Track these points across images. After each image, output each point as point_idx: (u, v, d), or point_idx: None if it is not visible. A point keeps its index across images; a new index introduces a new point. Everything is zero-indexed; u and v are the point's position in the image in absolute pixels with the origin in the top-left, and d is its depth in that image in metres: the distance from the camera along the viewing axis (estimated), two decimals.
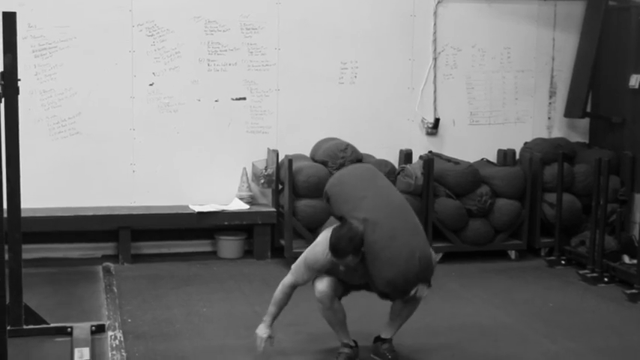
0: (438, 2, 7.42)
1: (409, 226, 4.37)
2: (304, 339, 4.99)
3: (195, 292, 5.98)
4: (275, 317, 4.61)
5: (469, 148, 7.55)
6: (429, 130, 7.51)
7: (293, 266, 4.58)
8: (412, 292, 4.29)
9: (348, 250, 4.20)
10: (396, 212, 4.40)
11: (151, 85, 6.91)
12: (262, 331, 4.59)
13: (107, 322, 5.05)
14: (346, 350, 4.56)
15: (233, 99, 7.10)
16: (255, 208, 6.97)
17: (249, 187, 7.08)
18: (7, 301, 4.48)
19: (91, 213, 6.65)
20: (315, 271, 4.45)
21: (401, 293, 4.34)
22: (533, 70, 7.74)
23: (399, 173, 6.93)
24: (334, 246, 4.23)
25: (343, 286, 4.53)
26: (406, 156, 7.20)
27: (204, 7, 6.95)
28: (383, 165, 6.89)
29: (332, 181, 4.71)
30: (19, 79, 4.62)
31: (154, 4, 6.86)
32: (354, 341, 4.61)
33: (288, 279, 4.56)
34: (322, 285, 4.42)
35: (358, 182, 4.54)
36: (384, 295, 4.42)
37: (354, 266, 4.30)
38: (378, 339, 4.66)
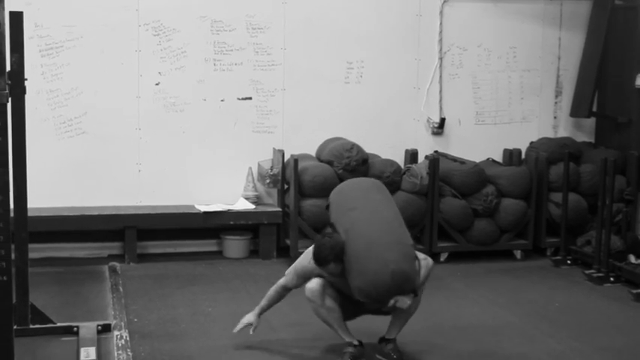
0: (444, 2, 7.42)
1: (390, 239, 4.37)
2: (309, 338, 4.99)
3: (200, 291, 5.99)
4: (264, 310, 4.83)
5: (475, 147, 7.54)
6: (435, 130, 7.50)
7: (287, 270, 4.75)
8: (391, 302, 4.33)
9: (329, 259, 4.33)
10: (380, 226, 4.42)
11: (157, 84, 6.92)
12: (247, 317, 4.82)
13: (113, 322, 5.06)
14: (350, 349, 4.56)
15: (239, 99, 7.10)
16: (261, 208, 6.98)
17: (254, 186, 7.08)
18: (14, 300, 4.51)
19: (97, 212, 6.66)
20: (304, 278, 4.60)
21: (376, 303, 4.41)
22: (539, 69, 7.73)
23: (404, 173, 6.93)
24: (316, 254, 4.38)
25: (340, 294, 4.55)
26: (412, 156, 7.19)
27: (210, 6, 6.96)
28: (388, 165, 6.89)
29: (335, 189, 4.88)
30: (26, 79, 4.64)
31: (160, 4, 6.87)
32: (359, 341, 4.61)
33: (281, 280, 4.76)
34: (312, 283, 4.53)
35: (354, 193, 4.67)
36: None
37: (339, 274, 4.39)
38: (382, 339, 4.67)
